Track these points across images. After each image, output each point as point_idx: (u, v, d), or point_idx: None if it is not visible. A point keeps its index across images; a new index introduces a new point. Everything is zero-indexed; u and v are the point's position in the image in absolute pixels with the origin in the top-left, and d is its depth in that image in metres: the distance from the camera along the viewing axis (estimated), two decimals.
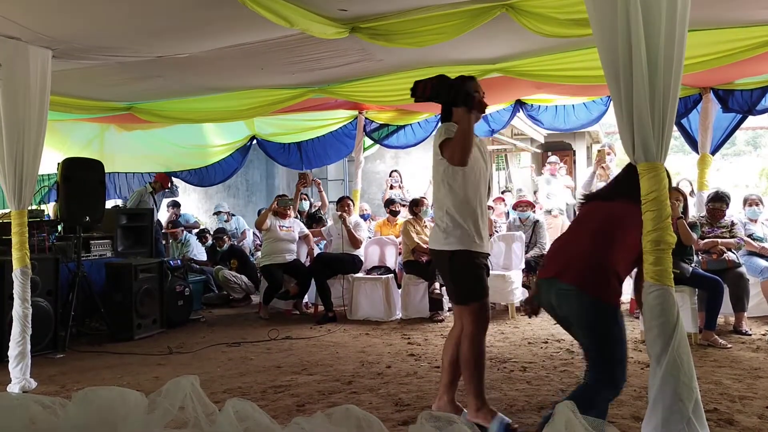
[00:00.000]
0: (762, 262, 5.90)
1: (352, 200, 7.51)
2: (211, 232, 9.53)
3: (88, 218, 5.95)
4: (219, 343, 5.75)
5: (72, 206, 5.83)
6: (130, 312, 5.98)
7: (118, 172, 8.75)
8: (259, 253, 8.11)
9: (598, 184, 7.39)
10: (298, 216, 8.21)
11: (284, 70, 5.41)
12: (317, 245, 7.84)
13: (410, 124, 7.99)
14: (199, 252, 8.82)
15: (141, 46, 4.56)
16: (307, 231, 7.58)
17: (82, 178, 5.93)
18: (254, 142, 8.74)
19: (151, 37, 4.39)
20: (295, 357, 5.15)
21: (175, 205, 9.64)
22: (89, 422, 2.51)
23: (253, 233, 10.00)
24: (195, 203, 12.72)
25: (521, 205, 7.57)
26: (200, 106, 6.63)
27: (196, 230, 9.54)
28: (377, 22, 4.19)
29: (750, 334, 5.39)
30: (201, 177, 9.16)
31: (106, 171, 6.40)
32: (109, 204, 8.53)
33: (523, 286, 6.89)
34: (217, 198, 12.96)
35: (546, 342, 5.37)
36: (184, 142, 8.63)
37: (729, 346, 5.00)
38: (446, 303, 6.72)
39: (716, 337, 5.10)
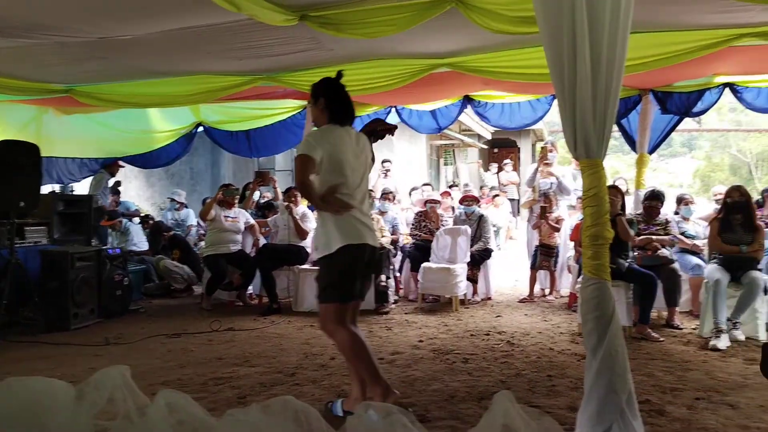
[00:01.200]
0: (693, 259, 6.13)
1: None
2: (155, 219, 9.30)
3: (22, 203, 5.72)
4: (159, 334, 5.62)
5: (5, 191, 5.59)
6: (66, 301, 5.79)
7: (57, 157, 8.43)
8: (202, 243, 7.97)
9: (541, 181, 7.54)
10: (254, 211, 8.10)
11: (231, 55, 5.30)
12: (264, 238, 7.74)
13: (359, 116, 7.96)
14: (139, 240, 8.60)
15: (83, 26, 4.37)
16: (252, 221, 7.47)
17: (16, 161, 5.70)
18: (200, 129, 8.57)
19: (94, 16, 4.21)
20: (237, 348, 5.08)
21: (115, 192, 9.36)
22: (12, 412, 2.43)
23: (197, 223, 9.81)
24: (135, 191, 12.38)
25: (467, 199, 7.70)
26: (143, 90, 6.43)
27: (137, 218, 9.28)
28: (327, 11, 4.14)
29: (681, 328, 5.60)
30: (144, 159, 9.01)
31: (43, 155, 6.15)
32: (46, 189, 8.22)
33: (468, 279, 6.98)
34: (160, 186, 12.66)
35: (488, 334, 5.46)
36: (127, 127, 8.35)
37: (661, 339, 5.19)
38: (392, 295, 6.77)
39: (649, 330, 5.28)
